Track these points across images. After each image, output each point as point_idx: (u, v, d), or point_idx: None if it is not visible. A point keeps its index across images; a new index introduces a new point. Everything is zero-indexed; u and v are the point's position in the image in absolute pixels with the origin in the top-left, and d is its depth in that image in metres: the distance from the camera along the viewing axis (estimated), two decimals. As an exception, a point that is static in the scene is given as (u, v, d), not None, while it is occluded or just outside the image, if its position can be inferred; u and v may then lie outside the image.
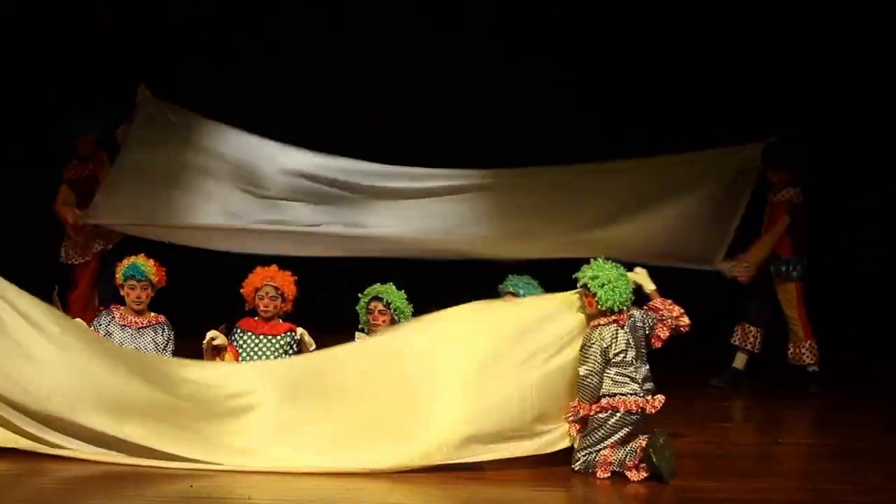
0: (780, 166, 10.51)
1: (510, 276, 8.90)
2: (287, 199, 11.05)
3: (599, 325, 7.66)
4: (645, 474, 7.47)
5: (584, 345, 7.65)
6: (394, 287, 8.60)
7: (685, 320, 7.79)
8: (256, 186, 11.05)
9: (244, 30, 12.01)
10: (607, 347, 7.59)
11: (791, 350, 10.61)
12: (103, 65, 11.61)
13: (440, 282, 8.77)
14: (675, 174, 10.91)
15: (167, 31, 11.85)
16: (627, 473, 7.49)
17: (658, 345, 7.77)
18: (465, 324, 7.93)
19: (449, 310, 7.99)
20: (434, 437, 7.56)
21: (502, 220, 11.12)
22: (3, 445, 7.47)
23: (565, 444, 7.73)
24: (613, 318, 7.65)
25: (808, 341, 10.55)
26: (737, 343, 10.67)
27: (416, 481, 7.43)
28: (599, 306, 7.64)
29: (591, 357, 7.59)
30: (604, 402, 7.58)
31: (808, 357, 10.55)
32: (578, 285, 7.77)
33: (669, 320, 7.75)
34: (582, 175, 11.17)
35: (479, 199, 11.16)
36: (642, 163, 11.05)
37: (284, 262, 8.77)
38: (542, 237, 10.95)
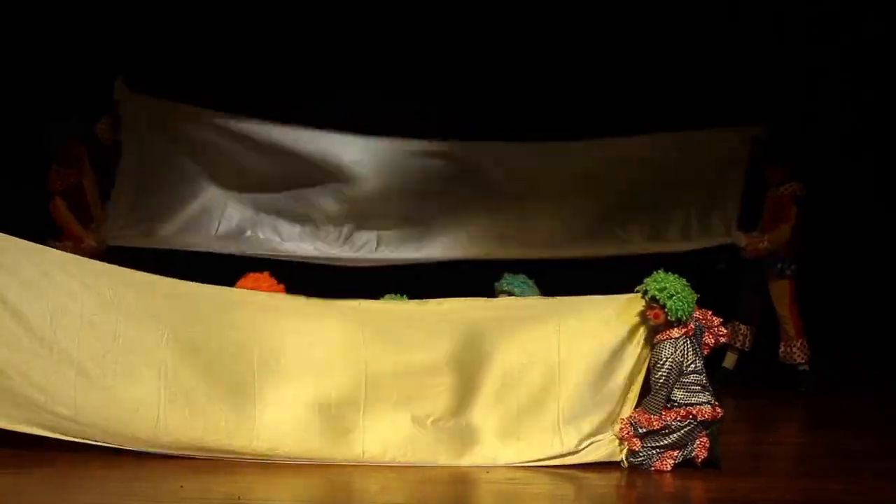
0: (775, 162, 10.54)
1: (506, 274, 8.89)
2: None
3: (671, 338, 7.76)
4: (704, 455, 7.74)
5: (658, 359, 7.75)
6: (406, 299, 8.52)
7: (723, 330, 7.98)
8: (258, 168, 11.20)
9: (221, 18, 11.86)
10: (682, 361, 7.72)
11: (782, 349, 10.64)
12: (73, 63, 11.47)
13: (437, 283, 8.71)
14: (663, 155, 11.03)
15: (133, 22, 11.70)
16: (695, 460, 7.73)
17: (706, 352, 7.92)
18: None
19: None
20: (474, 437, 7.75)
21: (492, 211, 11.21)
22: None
23: (606, 457, 7.82)
24: (683, 330, 7.76)
25: (800, 340, 10.57)
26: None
27: (409, 479, 7.44)
28: (669, 317, 7.71)
29: (666, 372, 7.70)
30: (682, 411, 7.72)
31: (798, 356, 10.56)
32: (645, 298, 7.79)
33: (713, 329, 7.90)
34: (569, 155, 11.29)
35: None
36: (630, 141, 11.19)
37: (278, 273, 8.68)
38: (538, 232, 11.03)
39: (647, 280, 7.81)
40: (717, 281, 10.29)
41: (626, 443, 7.76)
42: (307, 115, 11.30)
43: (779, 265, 10.56)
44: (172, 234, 10.96)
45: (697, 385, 7.78)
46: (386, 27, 11.83)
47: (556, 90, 11.82)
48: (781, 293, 10.62)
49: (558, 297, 8.12)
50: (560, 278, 8.68)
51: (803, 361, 10.60)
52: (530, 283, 8.84)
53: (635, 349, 7.87)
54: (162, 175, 11.05)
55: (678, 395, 7.75)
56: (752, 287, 10.75)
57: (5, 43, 11.40)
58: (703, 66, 11.69)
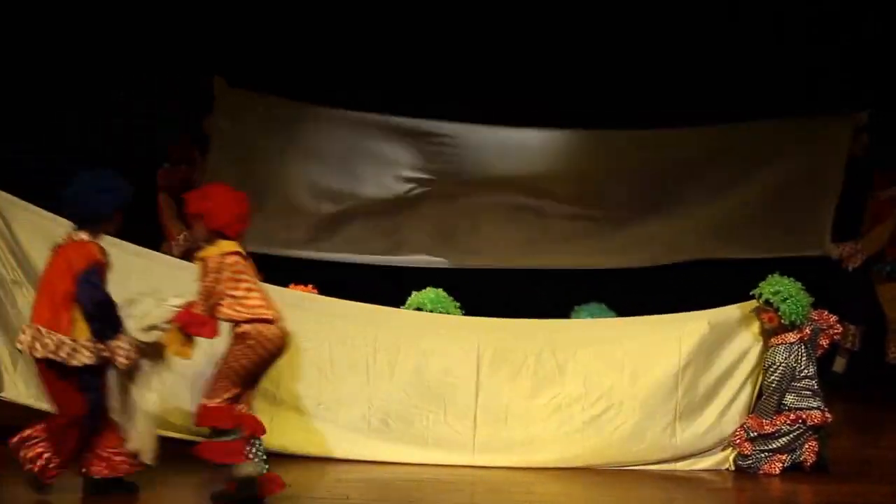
0: (886, 165, 10.43)
1: (577, 308, 8.78)
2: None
3: (786, 342, 7.80)
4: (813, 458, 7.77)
5: (772, 364, 7.79)
6: (434, 292, 8.45)
7: (839, 328, 8.06)
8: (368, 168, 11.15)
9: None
10: (795, 366, 7.76)
11: (892, 350, 10.51)
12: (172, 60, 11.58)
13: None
14: (758, 148, 10.80)
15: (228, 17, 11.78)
16: (804, 464, 7.76)
17: (820, 352, 7.98)
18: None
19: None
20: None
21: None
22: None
23: (716, 464, 7.89)
24: (798, 335, 7.80)
25: (909, 343, 10.46)
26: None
27: (515, 479, 7.48)
28: (783, 321, 7.75)
29: (779, 376, 7.75)
30: (792, 415, 7.76)
31: (909, 358, 10.46)
32: (759, 301, 7.82)
33: (829, 330, 7.94)
34: (653, 147, 11.08)
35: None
36: (720, 132, 10.93)
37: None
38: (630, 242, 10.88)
39: (762, 283, 7.82)
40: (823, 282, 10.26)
41: (736, 447, 7.75)
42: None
43: (887, 268, 10.45)
44: (265, 236, 10.94)
45: (809, 390, 7.76)
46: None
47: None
48: (890, 296, 10.51)
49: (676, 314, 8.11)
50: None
51: (913, 363, 10.52)
52: (603, 306, 8.79)
53: (751, 357, 7.86)
54: (256, 172, 10.99)
55: (789, 399, 7.74)
56: (859, 287, 10.62)
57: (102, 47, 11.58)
58: (705, 62, 11.54)
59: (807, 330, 7.81)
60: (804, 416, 7.72)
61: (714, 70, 11.42)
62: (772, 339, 7.82)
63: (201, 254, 6.56)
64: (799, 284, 7.81)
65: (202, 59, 11.29)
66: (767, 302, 7.75)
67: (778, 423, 7.71)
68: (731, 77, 11.40)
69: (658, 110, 11.22)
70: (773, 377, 7.73)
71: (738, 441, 7.75)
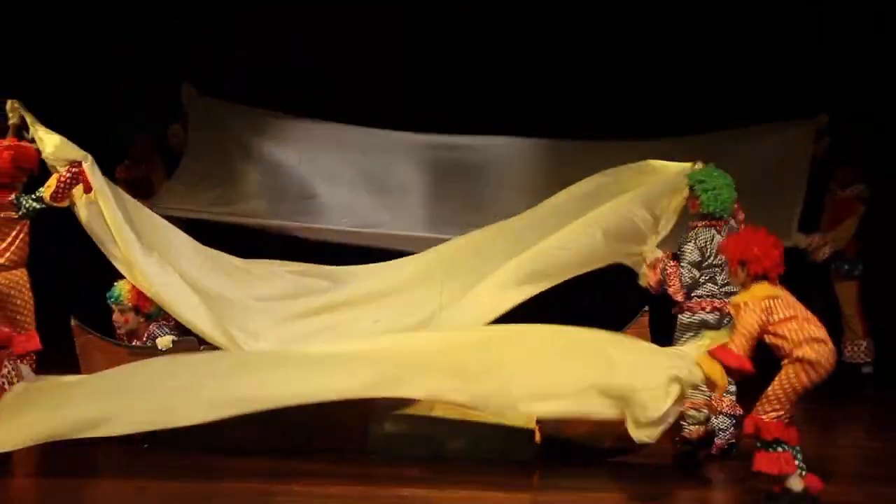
0: (848, 161, 10.51)
1: None
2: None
3: (697, 226, 7.92)
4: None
5: (682, 244, 7.93)
6: None
7: (741, 215, 8.09)
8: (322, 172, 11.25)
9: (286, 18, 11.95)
10: (703, 247, 7.84)
11: (848, 348, 10.61)
12: (147, 63, 11.66)
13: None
14: (723, 154, 10.80)
15: (207, 25, 11.85)
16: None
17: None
18: None
19: None
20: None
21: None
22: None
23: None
24: (712, 222, 7.88)
25: (866, 340, 10.56)
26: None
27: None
28: (701, 209, 7.89)
29: (689, 253, 7.85)
30: (717, 302, 7.90)
31: (865, 355, 10.55)
32: (687, 184, 7.94)
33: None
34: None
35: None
36: (684, 140, 10.94)
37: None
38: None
39: (695, 169, 7.96)
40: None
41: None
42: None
43: (846, 266, 10.55)
44: (221, 204, 11.04)
45: (708, 277, 7.88)
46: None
47: (597, 90, 11.79)
48: (849, 293, 10.61)
49: None
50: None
51: (869, 360, 10.60)
52: None
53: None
54: (221, 166, 11.19)
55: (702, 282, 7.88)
56: (819, 287, 10.71)
57: (79, 48, 11.61)
58: (759, 60, 11.63)
59: (722, 223, 7.93)
60: (692, 305, 7.87)
61: (675, 81, 11.55)
62: (690, 223, 8.00)
63: (739, 299, 6.84)
64: (728, 180, 7.92)
65: (174, 66, 11.42)
66: (692, 188, 7.90)
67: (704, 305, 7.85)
68: (695, 87, 11.53)
69: (620, 121, 11.33)
70: (680, 255, 7.89)
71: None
